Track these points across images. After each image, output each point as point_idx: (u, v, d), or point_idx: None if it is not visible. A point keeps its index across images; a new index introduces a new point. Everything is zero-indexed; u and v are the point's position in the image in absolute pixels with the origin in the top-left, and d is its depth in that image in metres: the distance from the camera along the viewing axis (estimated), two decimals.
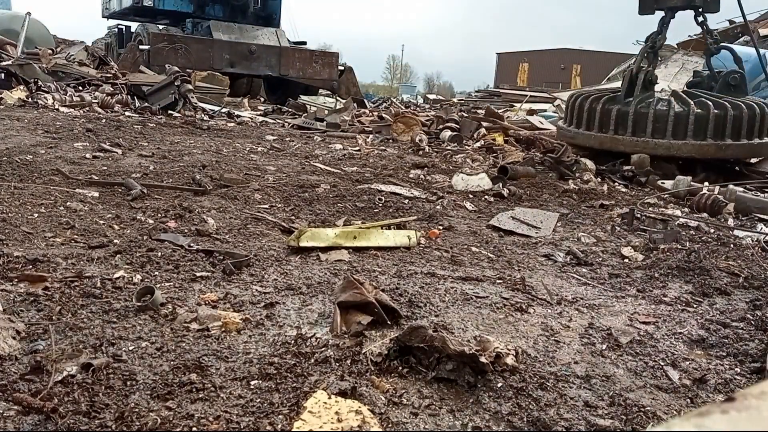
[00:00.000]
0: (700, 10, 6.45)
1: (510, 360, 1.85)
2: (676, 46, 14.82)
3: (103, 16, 18.11)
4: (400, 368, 1.80)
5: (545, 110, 12.93)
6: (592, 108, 6.39)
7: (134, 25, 16.16)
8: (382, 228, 3.51)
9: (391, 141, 8.24)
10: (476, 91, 22.50)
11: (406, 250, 3.24)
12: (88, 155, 5.04)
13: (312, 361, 1.82)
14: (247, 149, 6.34)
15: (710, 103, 5.85)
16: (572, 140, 6.77)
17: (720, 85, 6.30)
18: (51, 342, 1.82)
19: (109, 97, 9.53)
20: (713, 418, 0.49)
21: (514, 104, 12.99)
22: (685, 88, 6.89)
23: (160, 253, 2.77)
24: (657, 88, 6.44)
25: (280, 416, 1.52)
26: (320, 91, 15.95)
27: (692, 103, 5.85)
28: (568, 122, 6.90)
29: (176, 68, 10.51)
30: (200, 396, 1.60)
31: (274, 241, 3.24)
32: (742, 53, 12.57)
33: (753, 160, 6.73)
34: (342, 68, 15.67)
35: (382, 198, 4.31)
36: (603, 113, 6.27)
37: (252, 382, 1.69)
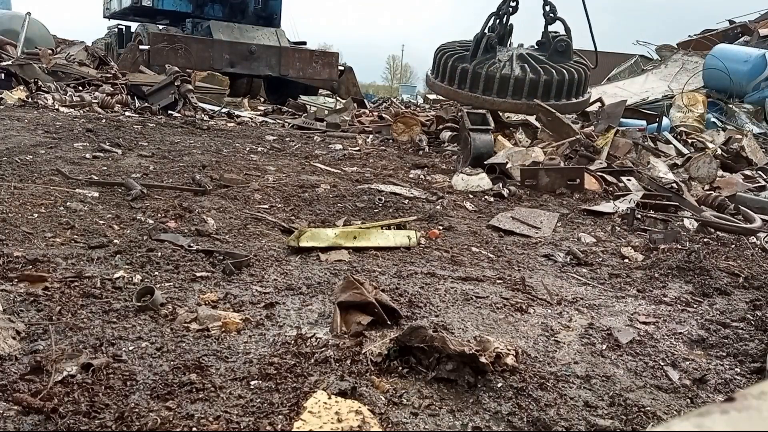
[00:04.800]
0: None
1: (510, 360, 1.85)
2: (676, 46, 14.82)
3: (104, 17, 18.09)
4: (400, 368, 1.80)
5: None
6: (446, 63, 7.56)
7: (134, 25, 16.14)
8: (382, 228, 3.51)
9: (391, 141, 8.24)
10: None
11: (406, 250, 3.24)
12: (88, 155, 5.04)
13: (312, 361, 1.82)
14: (247, 149, 6.34)
15: (528, 68, 7.07)
16: (432, 88, 8.05)
17: (551, 51, 7.38)
18: (51, 342, 1.82)
19: (109, 97, 9.51)
20: (713, 418, 0.49)
21: None
22: (535, 46, 7.82)
23: (160, 253, 2.77)
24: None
25: (280, 416, 1.52)
26: (320, 91, 15.93)
27: (517, 69, 7.05)
28: (433, 73, 7.99)
29: (176, 68, 10.49)
30: (200, 396, 1.60)
31: (274, 241, 3.24)
32: (742, 53, 12.58)
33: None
34: (342, 68, 15.64)
35: (382, 198, 4.31)
36: (452, 69, 7.44)
37: (252, 382, 1.69)
